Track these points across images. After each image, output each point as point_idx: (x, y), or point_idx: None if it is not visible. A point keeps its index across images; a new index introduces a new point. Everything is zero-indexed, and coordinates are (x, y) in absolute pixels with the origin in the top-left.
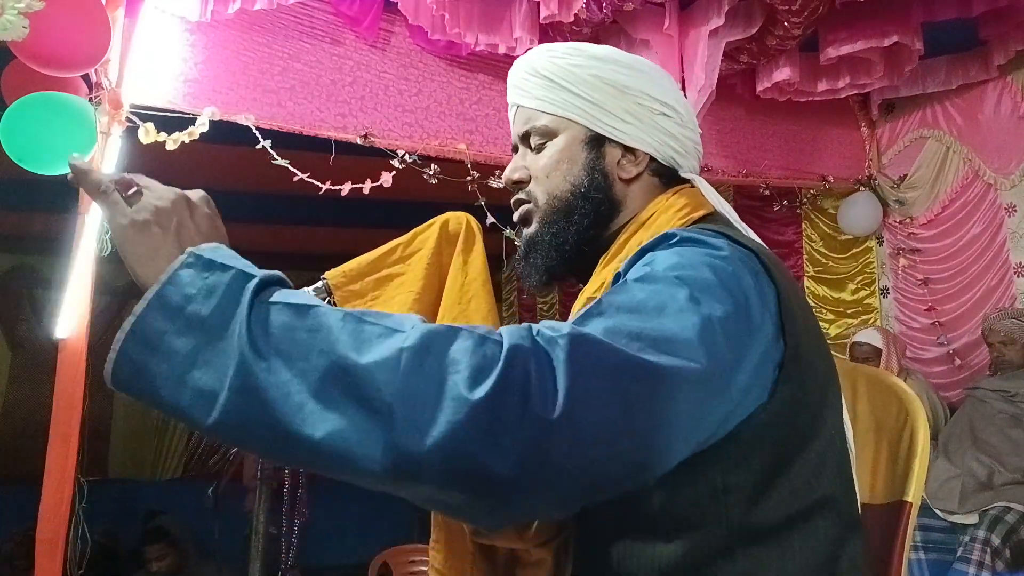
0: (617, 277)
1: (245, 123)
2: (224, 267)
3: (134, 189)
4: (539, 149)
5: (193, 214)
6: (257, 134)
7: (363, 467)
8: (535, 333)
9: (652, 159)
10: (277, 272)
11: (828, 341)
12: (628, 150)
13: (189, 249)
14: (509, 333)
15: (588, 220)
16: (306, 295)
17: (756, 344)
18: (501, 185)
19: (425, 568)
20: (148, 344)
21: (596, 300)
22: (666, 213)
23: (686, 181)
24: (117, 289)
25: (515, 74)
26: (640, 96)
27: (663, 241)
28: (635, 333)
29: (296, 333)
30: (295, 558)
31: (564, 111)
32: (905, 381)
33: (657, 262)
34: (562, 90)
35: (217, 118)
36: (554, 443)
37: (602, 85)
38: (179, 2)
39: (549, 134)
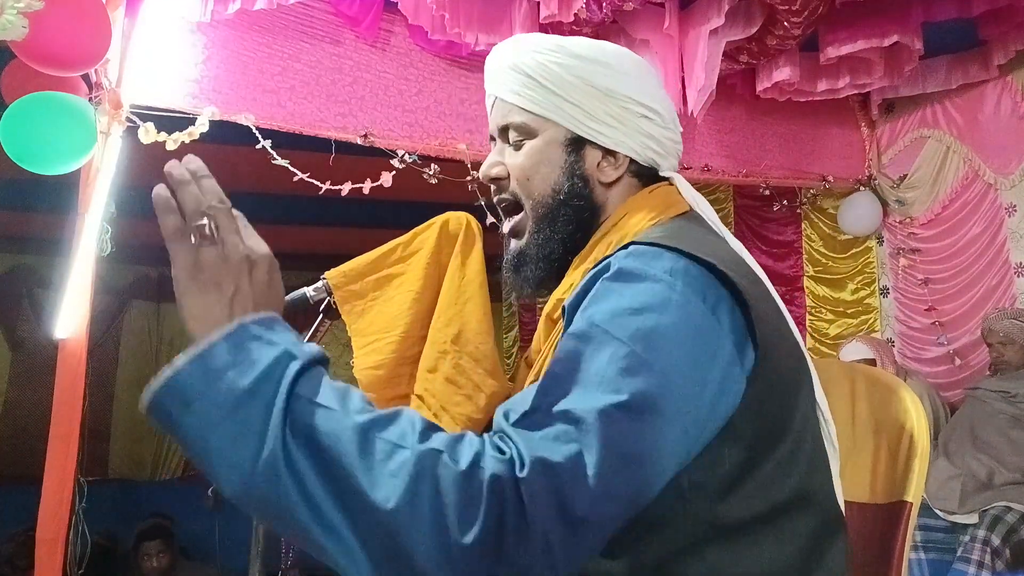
0: (566, 311)
1: (245, 123)
2: (270, 342)
3: (202, 226)
4: (517, 146)
5: (253, 279)
6: (257, 134)
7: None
8: (511, 458)
9: (632, 161)
10: (319, 349)
11: (828, 341)
12: (608, 152)
13: (237, 321)
14: (491, 463)
15: (572, 226)
16: (331, 388)
17: (716, 365)
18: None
19: None
20: (183, 401)
21: (553, 365)
22: (637, 214)
23: (665, 179)
24: (117, 289)
25: (495, 65)
26: (624, 100)
27: (604, 273)
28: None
29: (320, 439)
30: (295, 558)
31: (545, 111)
32: (905, 382)
33: (603, 310)
34: (544, 90)
35: (217, 118)
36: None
37: (586, 88)
38: (179, 2)
39: (528, 132)
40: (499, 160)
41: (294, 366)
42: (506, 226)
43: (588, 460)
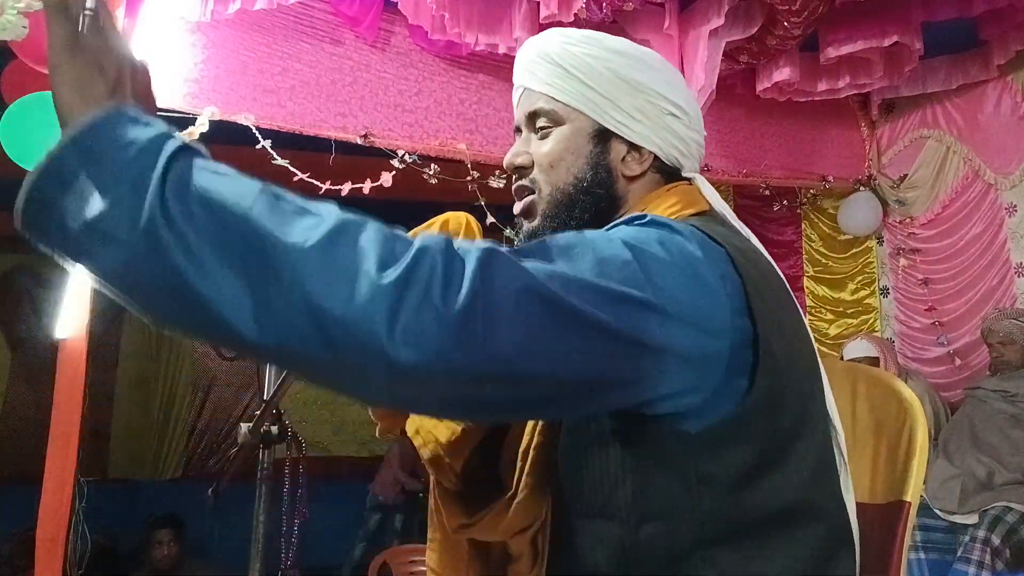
0: None
1: (245, 123)
2: (148, 123)
3: (91, 13)
4: (544, 135)
5: (135, 77)
6: (257, 134)
7: (244, 332)
8: (452, 242)
9: (656, 158)
10: (198, 145)
11: (828, 341)
12: (633, 147)
13: (115, 104)
14: (423, 236)
15: (589, 215)
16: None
17: (714, 308)
18: (501, 185)
19: (425, 568)
20: (62, 182)
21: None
22: (656, 210)
23: (687, 180)
24: None
25: (525, 56)
26: (652, 95)
27: (631, 221)
28: (559, 274)
29: (212, 195)
30: (295, 558)
31: (574, 101)
32: (906, 382)
33: (614, 231)
34: (574, 80)
35: (217, 118)
36: (446, 337)
37: (616, 80)
38: (179, 2)
39: (556, 120)
40: (524, 149)
41: (175, 141)
42: (517, 207)
43: (524, 282)
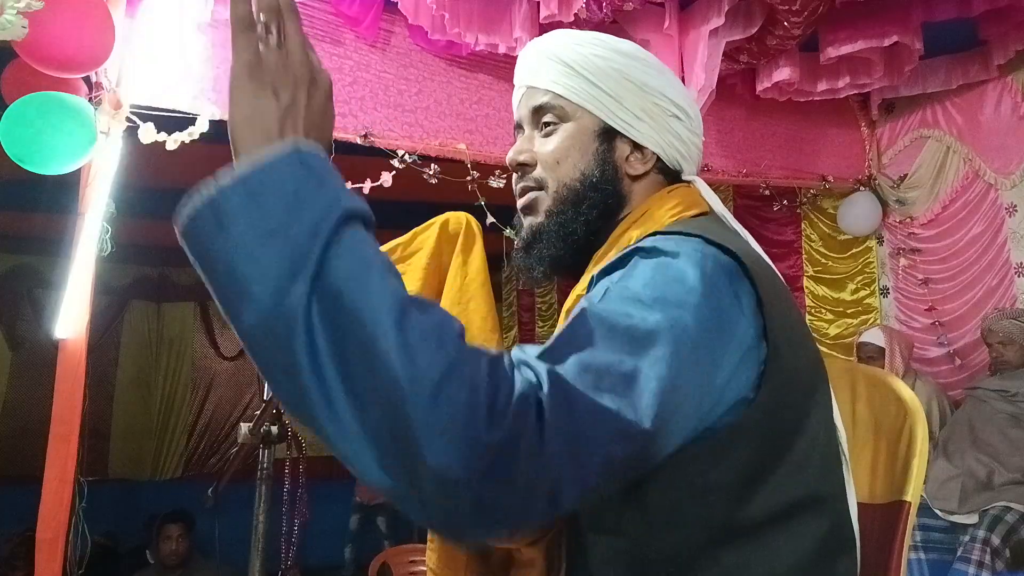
0: (594, 280)
1: None
2: (320, 181)
3: (275, 38)
4: (548, 132)
5: (311, 96)
6: None
7: (367, 473)
8: (535, 381)
9: (658, 159)
10: (366, 206)
11: (828, 341)
12: (637, 147)
13: (292, 140)
14: (520, 380)
15: (596, 211)
16: (375, 250)
17: (732, 346)
18: (501, 185)
19: (425, 568)
20: (219, 222)
21: (575, 315)
22: (659, 210)
23: (686, 183)
24: (117, 289)
25: (531, 55)
26: (657, 96)
27: (638, 252)
28: (603, 369)
29: (348, 300)
30: (295, 558)
31: (581, 99)
32: (914, 383)
33: (635, 277)
34: (582, 79)
35: (217, 118)
36: (531, 498)
37: (623, 80)
38: (180, 2)
39: (562, 117)
40: (527, 147)
41: (340, 214)
42: (520, 203)
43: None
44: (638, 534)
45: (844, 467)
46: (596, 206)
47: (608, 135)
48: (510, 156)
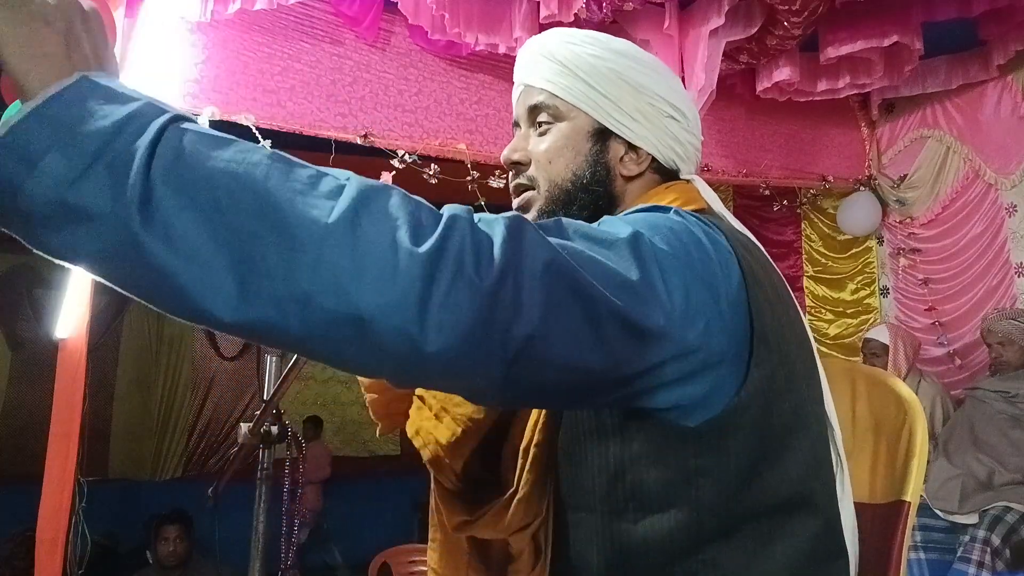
0: None
1: (245, 123)
2: (128, 98)
3: None
4: (543, 131)
5: (87, 24)
6: (257, 134)
7: (221, 315)
8: (475, 213)
9: (653, 159)
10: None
11: (828, 341)
12: (632, 148)
13: (81, 72)
14: (448, 207)
15: (587, 212)
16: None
17: (714, 298)
18: (501, 185)
19: (425, 568)
20: (27, 160)
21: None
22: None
23: (685, 180)
24: (117, 289)
25: (528, 53)
26: (653, 97)
27: (640, 210)
28: (577, 251)
29: (211, 167)
30: (295, 558)
31: (575, 99)
32: (918, 383)
33: (627, 217)
34: (576, 79)
35: (217, 118)
36: (478, 314)
37: (618, 81)
38: (179, 2)
39: (556, 116)
40: (523, 145)
41: (164, 114)
42: (515, 202)
43: (547, 255)
44: (627, 513)
45: (838, 468)
46: (587, 207)
47: (602, 135)
48: (505, 154)
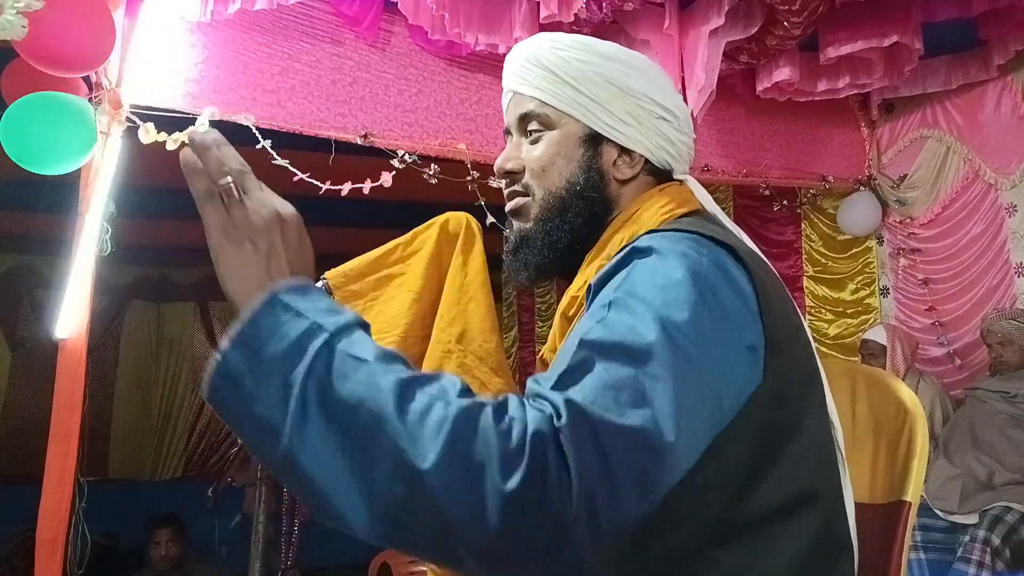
0: (592, 289)
1: (245, 123)
2: (299, 313)
3: (228, 184)
4: (535, 140)
5: (285, 235)
6: (257, 134)
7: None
8: (551, 414)
9: (646, 161)
10: (352, 316)
11: (828, 341)
12: (624, 151)
13: (270, 288)
14: (532, 418)
15: (582, 219)
16: (370, 343)
17: (742, 341)
18: (501, 185)
19: (425, 568)
20: (234, 384)
21: (580, 338)
22: (649, 210)
23: (678, 182)
24: (117, 289)
25: (515, 60)
26: (643, 99)
27: (635, 254)
28: (619, 386)
29: (344, 402)
30: (295, 558)
31: (565, 106)
32: (917, 383)
33: (635, 283)
34: (565, 85)
35: (217, 118)
36: (572, 535)
37: (607, 85)
38: (179, 2)
39: (547, 124)
40: (516, 154)
41: (321, 335)
42: (508, 207)
43: (608, 438)
44: (637, 536)
45: (841, 466)
46: (582, 213)
47: (594, 140)
48: (498, 163)
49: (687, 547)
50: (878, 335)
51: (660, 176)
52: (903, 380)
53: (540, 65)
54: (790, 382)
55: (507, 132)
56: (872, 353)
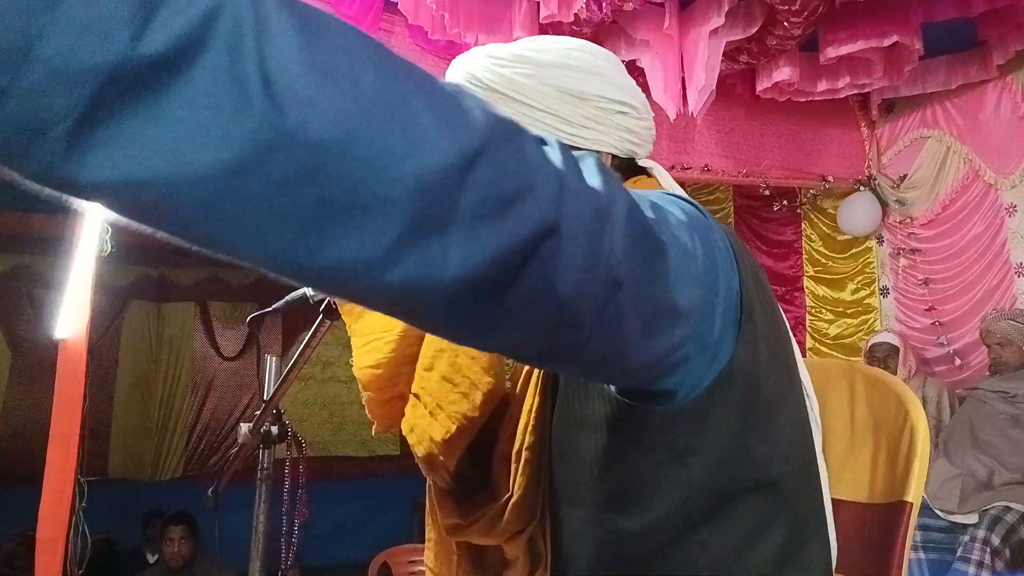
0: None
1: None
2: None
3: None
4: None
5: None
6: None
7: None
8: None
9: (612, 156)
10: None
11: (828, 341)
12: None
13: None
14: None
15: None
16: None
17: (726, 277)
18: None
19: (425, 568)
20: None
21: None
22: None
23: (643, 169)
24: (117, 289)
25: (456, 79)
26: (598, 100)
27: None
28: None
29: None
30: (295, 558)
31: (522, 124)
32: (924, 381)
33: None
34: (514, 103)
35: None
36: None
37: (559, 95)
38: None
39: None
40: None
41: None
42: None
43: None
44: (621, 504)
45: (816, 435)
46: None
47: None
48: None
49: (666, 526)
50: (889, 337)
51: (625, 165)
52: (910, 381)
53: (483, 87)
54: (769, 357)
55: None
56: (886, 355)
